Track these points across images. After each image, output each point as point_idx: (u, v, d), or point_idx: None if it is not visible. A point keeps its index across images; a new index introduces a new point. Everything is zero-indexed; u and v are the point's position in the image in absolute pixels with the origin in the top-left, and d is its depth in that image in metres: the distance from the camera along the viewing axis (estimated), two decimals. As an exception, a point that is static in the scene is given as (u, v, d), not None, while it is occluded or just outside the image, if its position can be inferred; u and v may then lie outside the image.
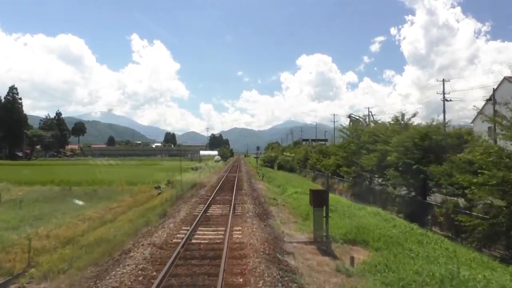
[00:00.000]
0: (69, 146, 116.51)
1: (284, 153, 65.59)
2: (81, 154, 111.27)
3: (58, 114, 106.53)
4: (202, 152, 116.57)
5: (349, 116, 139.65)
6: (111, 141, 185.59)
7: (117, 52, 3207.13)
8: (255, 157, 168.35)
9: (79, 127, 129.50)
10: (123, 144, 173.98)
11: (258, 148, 57.84)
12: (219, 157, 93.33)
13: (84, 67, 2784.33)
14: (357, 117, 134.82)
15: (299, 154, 62.09)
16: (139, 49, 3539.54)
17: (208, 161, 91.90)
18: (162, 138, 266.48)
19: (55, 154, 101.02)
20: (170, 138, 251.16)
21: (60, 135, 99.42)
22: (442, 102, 46.19)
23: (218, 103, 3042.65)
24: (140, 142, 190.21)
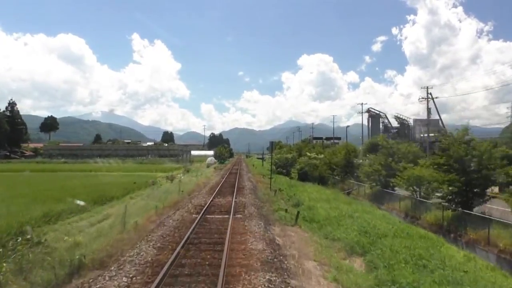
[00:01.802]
0: (33, 145, 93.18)
1: (308, 154, 41.85)
2: (45, 154, 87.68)
3: (12, 104, 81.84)
4: (194, 152, 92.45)
5: (368, 111, 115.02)
6: (97, 139, 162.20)
7: (118, 52, 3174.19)
8: (258, 158, 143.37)
9: (50, 123, 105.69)
10: (110, 143, 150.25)
11: (271, 144, 33.02)
12: (212, 158, 68.87)
13: (84, 67, 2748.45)
14: (377, 112, 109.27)
15: (337, 155, 38.00)
16: (140, 49, 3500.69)
17: (201, 163, 68.10)
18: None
19: (8, 154, 77.69)
20: (168, 137, 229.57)
21: (11, 131, 75.99)
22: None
23: (219, 103, 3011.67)
24: (129, 140, 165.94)
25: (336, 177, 39.79)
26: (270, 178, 29.78)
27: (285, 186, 32.55)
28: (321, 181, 37.94)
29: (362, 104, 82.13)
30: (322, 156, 40.91)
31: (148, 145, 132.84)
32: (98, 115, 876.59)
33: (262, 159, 71.01)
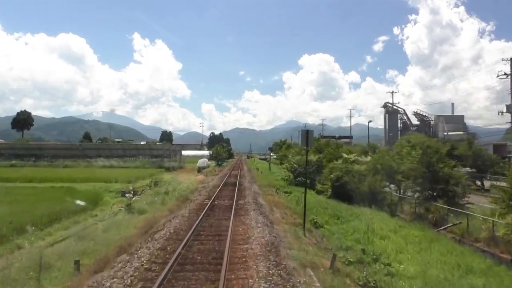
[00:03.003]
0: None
1: (345, 155, 26.18)
2: (11, 154, 72.47)
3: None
4: (185, 153, 76.78)
5: (385, 106, 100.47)
6: (87, 138, 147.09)
7: (119, 51, 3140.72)
8: (261, 159, 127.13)
9: (24, 119, 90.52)
10: (98, 142, 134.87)
11: (307, 134, 14.74)
12: (205, 160, 52.41)
13: (85, 67, 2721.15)
14: (396, 107, 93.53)
15: (403, 157, 22.35)
16: (141, 48, 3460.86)
17: (194, 165, 52.07)
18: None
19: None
20: (166, 137, 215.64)
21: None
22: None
23: (219, 103, 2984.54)
24: (120, 140, 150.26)
25: (394, 192, 24.16)
26: (305, 214, 14.03)
27: (324, 215, 17.08)
28: (373, 200, 22.34)
29: (392, 92, 66.88)
30: (368, 158, 25.31)
31: (125, 144, 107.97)
32: (99, 115, 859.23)
33: (269, 161, 55.58)
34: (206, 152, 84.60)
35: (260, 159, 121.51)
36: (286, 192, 26.25)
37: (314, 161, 29.18)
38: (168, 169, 51.45)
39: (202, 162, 49.85)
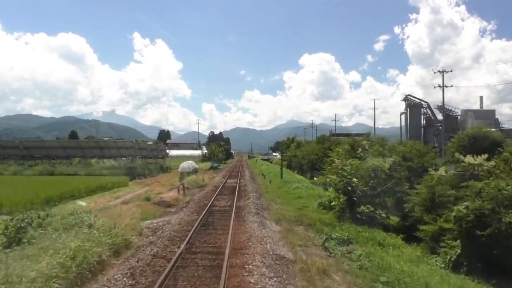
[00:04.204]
0: None
1: (474, 159, 11.54)
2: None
3: None
4: (173, 152, 61.51)
5: (406, 99, 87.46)
6: (73, 136, 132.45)
7: (119, 51, 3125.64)
8: (264, 159, 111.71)
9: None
10: (86, 140, 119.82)
11: None
12: (191, 163, 35.89)
13: (85, 66, 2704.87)
14: (418, 100, 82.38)
15: None
16: (141, 48, 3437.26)
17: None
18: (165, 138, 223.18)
19: None
20: (164, 136, 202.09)
21: None
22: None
23: (220, 102, 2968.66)
24: (110, 138, 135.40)
25: None
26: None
27: None
28: None
29: (443, 72, 51.28)
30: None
31: (82, 142, 76.45)
32: (99, 114, 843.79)
33: (281, 165, 40.34)
34: (197, 152, 69.40)
35: (263, 159, 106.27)
36: (339, 242, 11.17)
37: (386, 169, 14.03)
38: (140, 176, 36.36)
39: (186, 166, 34.48)
